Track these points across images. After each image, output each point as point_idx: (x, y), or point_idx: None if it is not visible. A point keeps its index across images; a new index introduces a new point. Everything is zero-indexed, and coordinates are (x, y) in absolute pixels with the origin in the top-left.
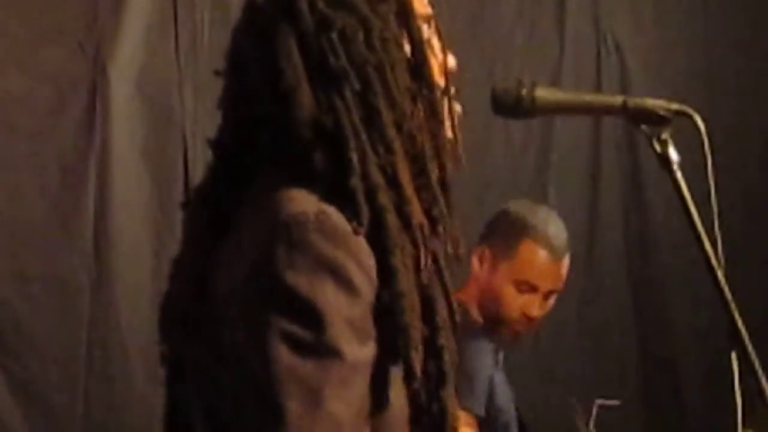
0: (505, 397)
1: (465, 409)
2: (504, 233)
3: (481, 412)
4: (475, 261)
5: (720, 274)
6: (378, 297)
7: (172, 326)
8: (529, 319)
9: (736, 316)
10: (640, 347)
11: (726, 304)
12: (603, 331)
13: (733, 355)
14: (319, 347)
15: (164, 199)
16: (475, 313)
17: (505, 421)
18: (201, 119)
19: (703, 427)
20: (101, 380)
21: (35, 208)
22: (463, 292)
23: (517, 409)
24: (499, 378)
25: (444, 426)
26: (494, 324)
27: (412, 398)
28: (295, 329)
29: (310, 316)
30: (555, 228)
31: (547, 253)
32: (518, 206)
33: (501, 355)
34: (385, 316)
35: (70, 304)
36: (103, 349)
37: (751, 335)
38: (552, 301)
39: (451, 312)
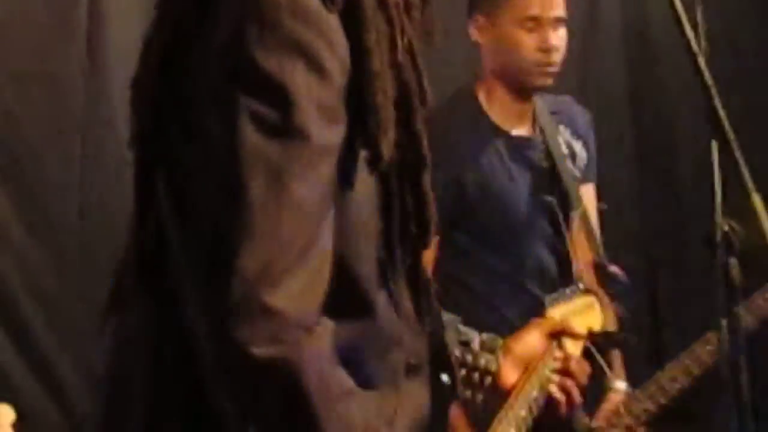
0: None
1: None
2: None
3: None
4: (474, 32)
5: (701, 60)
6: (350, 78)
7: (143, 105)
8: (547, 50)
9: (717, 104)
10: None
11: (706, 90)
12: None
13: (714, 144)
14: (286, 128)
15: None
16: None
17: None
18: None
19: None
20: (97, 177)
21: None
22: (480, 80)
23: None
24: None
25: (425, 211)
26: (525, 76)
27: (382, 184)
28: (263, 109)
29: (279, 96)
30: None
31: None
32: None
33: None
34: (357, 97)
35: (63, 102)
36: (98, 147)
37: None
38: (563, 31)
39: (423, 98)
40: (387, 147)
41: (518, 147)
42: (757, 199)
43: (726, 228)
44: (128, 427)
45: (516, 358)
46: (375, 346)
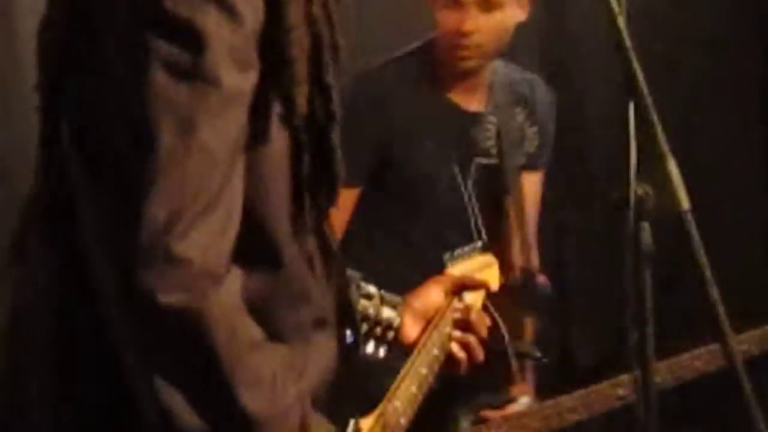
0: None
1: None
2: None
3: None
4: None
5: (621, 21)
6: (265, 28)
7: (49, 49)
8: (462, 34)
9: (635, 65)
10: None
11: (623, 49)
12: None
13: (630, 105)
14: (196, 72)
15: None
16: None
17: None
18: None
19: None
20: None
21: None
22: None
23: None
24: None
25: (332, 167)
26: (444, 57)
27: (294, 137)
28: (173, 52)
29: (189, 39)
30: None
31: None
32: None
33: None
34: (271, 49)
35: None
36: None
37: None
38: (500, 15)
39: (335, 53)
40: (301, 101)
41: (461, 120)
42: (672, 164)
43: (640, 192)
44: (34, 392)
45: (416, 313)
46: (285, 298)
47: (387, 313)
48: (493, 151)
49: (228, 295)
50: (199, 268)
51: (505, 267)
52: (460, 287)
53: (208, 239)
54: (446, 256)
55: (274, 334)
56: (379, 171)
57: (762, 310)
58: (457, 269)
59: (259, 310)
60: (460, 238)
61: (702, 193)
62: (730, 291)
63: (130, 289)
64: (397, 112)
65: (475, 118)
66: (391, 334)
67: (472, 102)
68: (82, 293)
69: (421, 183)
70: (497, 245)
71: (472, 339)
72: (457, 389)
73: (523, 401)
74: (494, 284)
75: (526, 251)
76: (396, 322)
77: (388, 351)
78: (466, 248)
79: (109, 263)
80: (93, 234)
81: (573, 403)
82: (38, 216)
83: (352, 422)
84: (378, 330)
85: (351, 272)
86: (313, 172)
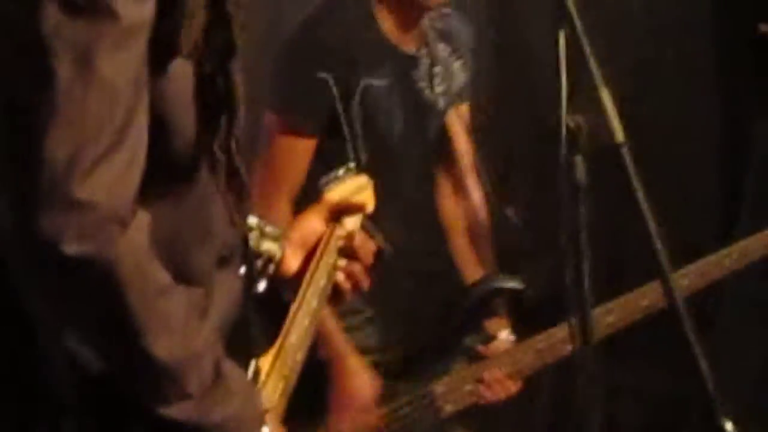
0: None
1: None
2: None
3: None
4: None
5: None
6: None
7: None
8: None
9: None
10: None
11: None
12: None
13: (561, 34)
14: (91, 5)
15: None
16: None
17: None
18: None
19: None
20: None
21: None
22: None
23: None
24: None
25: (231, 99)
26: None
27: (195, 70)
28: None
29: None
30: None
31: None
32: None
33: None
34: None
35: None
36: None
37: None
38: None
39: None
40: (195, 31)
41: (404, 65)
42: (605, 94)
43: (571, 123)
44: None
45: (296, 244)
46: (189, 235)
47: (267, 245)
48: (428, 92)
49: (136, 240)
50: (104, 212)
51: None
52: (337, 212)
53: (112, 180)
54: (321, 181)
55: (178, 274)
56: (333, 118)
57: (705, 244)
58: (333, 194)
59: (164, 248)
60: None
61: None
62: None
63: (32, 238)
64: (355, 56)
65: (415, 61)
66: (271, 268)
67: (412, 45)
68: None
69: (379, 138)
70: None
71: (356, 267)
72: (441, 341)
73: (503, 336)
74: (370, 205)
75: (463, 185)
76: (277, 255)
77: (270, 285)
78: (340, 171)
79: (7, 207)
80: None
81: (564, 334)
82: None
83: (252, 363)
84: (258, 263)
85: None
86: (216, 102)
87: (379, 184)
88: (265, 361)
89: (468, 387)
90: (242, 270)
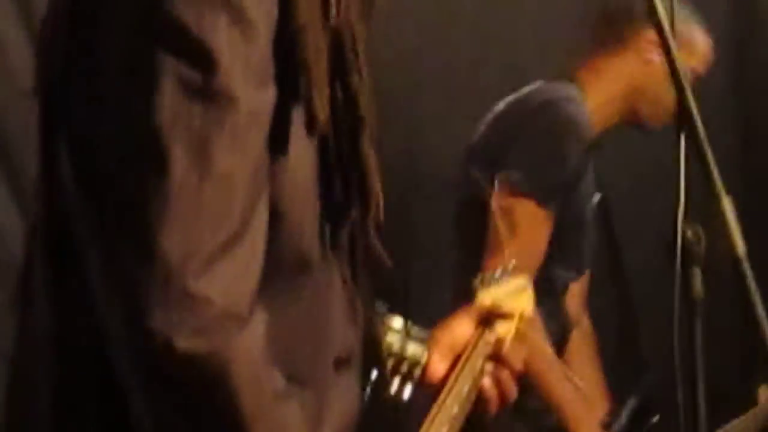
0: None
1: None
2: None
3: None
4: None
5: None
6: (279, 30)
7: (47, 53)
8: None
9: (688, 93)
10: None
11: (675, 77)
12: None
13: (681, 137)
14: (209, 91)
15: None
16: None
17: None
18: None
19: None
20: None
21: None
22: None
23: None
24: None
25: (365, 178)
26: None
27: (321, 150)
28: (181, 69)
29: (199, 54)
30: None
31: None
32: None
33: None
34: (287, 53)
35: None
36: None
37: None
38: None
39: (357, 57)
40: (322, 107)
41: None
42: (727, 203)
43: (689, 234)
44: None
45: (444, 348)
46: (306, 336)
47: (413, 348)
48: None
49: (253, 340)
50: (220, 309)
51: None
52: (490, 317)
53: (230, 276)
54: (475, 281)
55: (292, 376)
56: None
57: None
58: (487, 296)
59: (279, 349)
60: None
61: None
62: None
63: (143, 332)
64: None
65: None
66: (417, 372)
67: None
68: (86, 329)
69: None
70: None
71: (504, 374)
72: None
73: None
74: (528, 309)
75: None
76: (423, 358)
77: (414, 390)
78: (497, 272)
79: (116, 301)
80: (98, 270)
81: None
82: (41, 248)
83: None
84: (403, 367)
85: (377, 303)
86: (345, 185)
87: None
88: None
89: None
90: (374, 373)
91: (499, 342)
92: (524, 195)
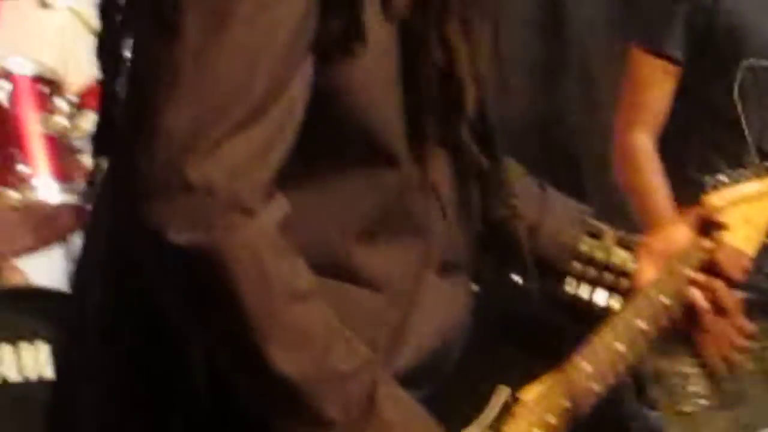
0: None
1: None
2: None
3: None
4: None
5: None
6: None
7: None
8: None
9: None
10: None
11: None
12: None
13: None
14: None
15: None
16: None
17: None
18: None
19: None
20: None
21: None
22: None
23: None
24: None
25: (454, 66)
26: None
27: (403, 34)
28: None
29: None
30: None
31: None
32: None
33: None
34: None
35: None
36: None
37: None
38: None
39: None
40: None
41: None
42: None
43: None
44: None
45: (657, 256)
46: (387, 233)
47: (619, 255)
48: None
49: (261, 233)
50: (223, 199)
51: None
52: (713, 224)
53: (242, 158)
54: (708, 179)
55: (371, 271)
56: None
57: None
58: (716, 198)
59: (332, 240)
60: None
61: None
62: None
63: (139, 221)
64: None
65: None
66: (624, 282)
67: None
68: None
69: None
70: None
71: (719, 284)
72: None
73: None
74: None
75: None
76: (630, 267)
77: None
78: (738, 171)
79: (122, 185)
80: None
81: None
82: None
83: (503, 392)
84: (608, 276)
85: (577, 205)
86: (431, 74)
87: None
88: (532, 391)
89: None
90: (515, 277)
91: (716, 248)
92: None
